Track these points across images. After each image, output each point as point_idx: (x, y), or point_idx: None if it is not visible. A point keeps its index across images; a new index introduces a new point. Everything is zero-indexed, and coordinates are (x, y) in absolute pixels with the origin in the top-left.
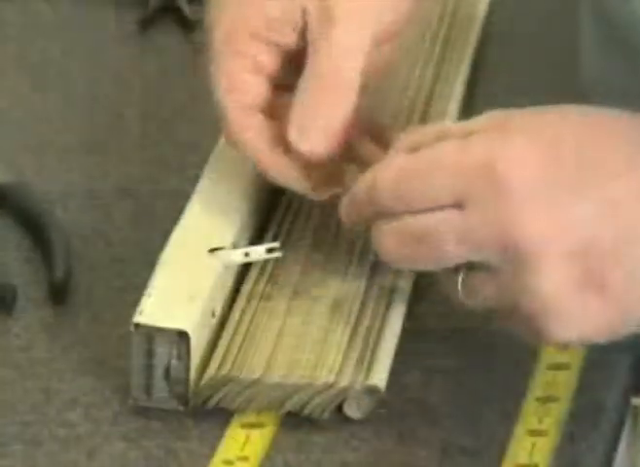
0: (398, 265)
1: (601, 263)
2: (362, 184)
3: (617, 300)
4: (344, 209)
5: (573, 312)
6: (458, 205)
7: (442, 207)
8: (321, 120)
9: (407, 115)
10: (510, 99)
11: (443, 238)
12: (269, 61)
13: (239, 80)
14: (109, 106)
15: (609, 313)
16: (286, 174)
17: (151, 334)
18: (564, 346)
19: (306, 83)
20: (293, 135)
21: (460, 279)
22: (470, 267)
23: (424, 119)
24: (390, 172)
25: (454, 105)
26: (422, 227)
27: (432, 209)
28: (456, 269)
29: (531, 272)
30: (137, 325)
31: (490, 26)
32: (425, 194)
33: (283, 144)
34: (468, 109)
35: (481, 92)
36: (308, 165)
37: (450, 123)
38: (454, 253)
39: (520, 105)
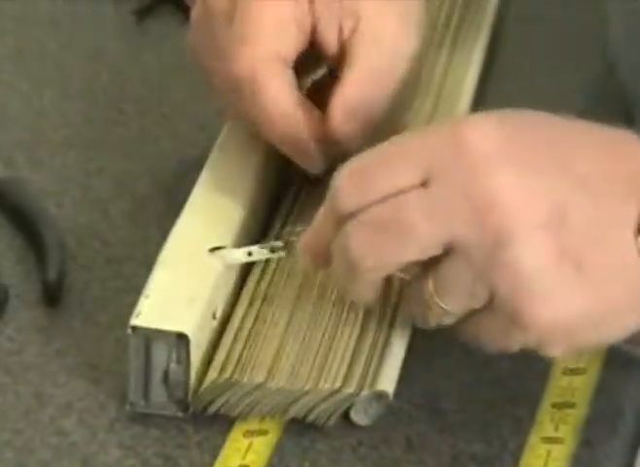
0: (368, 260)
1: (576, 239)
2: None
3: (593, 285)
4: (304, 246)
5: (552, 286)
6: (423, 184)
7: (406, 189)
8: (366, 109)
9: (419, 103)
10: (524, 84)
11: (411, 219)
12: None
13: (283, 26)
14: (107, 100)
15: (585, 296)
16: (300, 133)
17: (148, 337)
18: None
19: (357, 73)
20: (338, 116)
21: (431, 279)
22: (441, 261)
23: (437, 105)
24: (346, 170)
25: (467, 94)
26: (389, 212)
27: (396, 194)
28: (427, 269)
29: (506, 245)
30: (134, 328)
31: (505, 9)
32: (387, 179)
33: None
34: (482, 93)
35: (496, 76)
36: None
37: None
38: (425, 233)
39: (536, 91)
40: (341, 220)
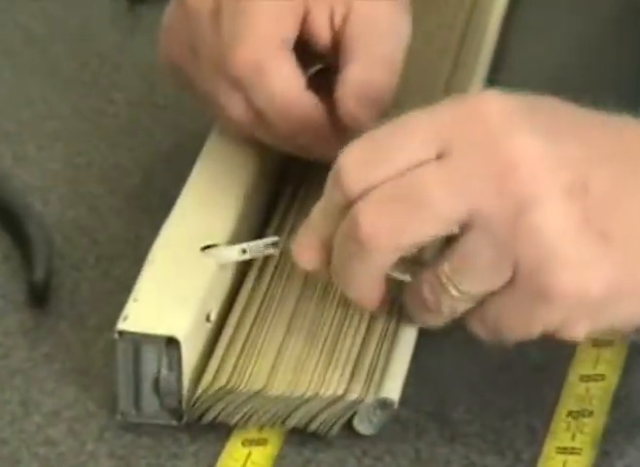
0: (381, 239)
1: (599, 209)
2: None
3: (620, 255)
4: (300, 244)
5: (579, 254)
6: (439, 156)
7: (421, 163)
8: (375, 93)
9: (429, 85)
10: (541, 65)
11: (428, 192)
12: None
13: (280, 12)
14: (96, 90)
15: (612, 266)
16: (318, 116)
17: (137, 342)
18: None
19: (361, 59)
20: (349, 100)
21: (447, 260)
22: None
23: (447, 90)
24: (353, 147)
25: (480, 74)
26: (403, 186)
27: (409, 169)
28: (444, 247)
29: (529, 211)
30: (122, 332)
31: None
32: (400, 153)
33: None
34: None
35: (512, 56)
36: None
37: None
38: (443, 206)
39: (552, 72)
40: (347, 205)
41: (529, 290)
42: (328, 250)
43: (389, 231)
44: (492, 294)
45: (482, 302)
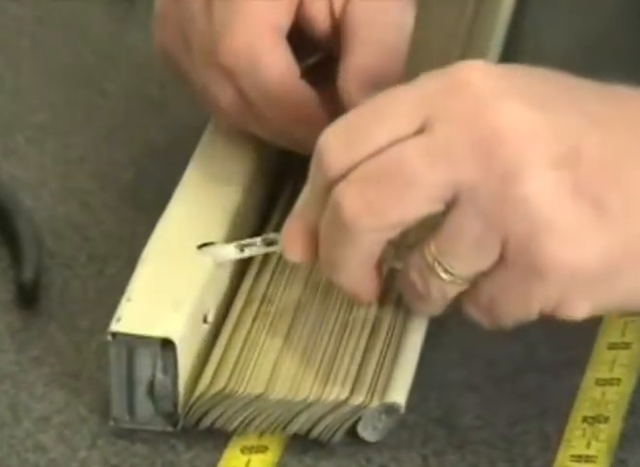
0: (364, 220)
1: (592, 177)
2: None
3: (615, 224)
4: (288, 233)
5: (571, 225)
6: (422, 130)
7: (403, 138)
8: (378, 80)
9: (442, 61)
10: (558, 34)
11: (411, 167)
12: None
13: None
14: (89, 82)
15: (608, 236)
16: (313, 104)
17: (131, 344)
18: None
19: (363, 47)
20: (352, 87)
21: (433, 240)
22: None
23: (465, 54)
24: (334, 126)
25: (495, 47)
26: (385, 162)
27: (390, 145)
28: (431, 228)
29: (517, 181)
30: (115, 334)
31: None
32: (381, 130)
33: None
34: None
35: (526, 41)
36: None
37: None
38: (428, 181)
39: (570, 40)
40: (330, 187)
41: (521, 267)
42: (315, 239)
43: (372, 211)
44: (484, 275)
45: (475, 284)
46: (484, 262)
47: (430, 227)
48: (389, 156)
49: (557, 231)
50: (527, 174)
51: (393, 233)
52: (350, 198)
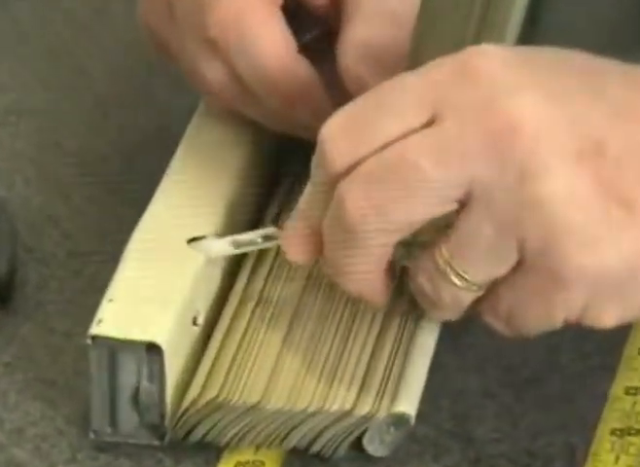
0: (369, 222)
1: (619, 172)
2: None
3: (634, 204)
4: (290, 232)
5: (596, 226)
6: (431, 122)
7: (409, 132)
8: (381, 52)
9: (455, 42)
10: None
11: (419, 163)
12: None
13: None
14: (68, 59)
15: (636, 236)
16: (311, 79)
17: (113, 348)
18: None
19: (365, 15)
20: (351, 59)
21: (444, 243)
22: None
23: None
24: (336, 118)
25: (513, 27)
26: (391, 158)
27: (397, 139)
28: (438, 231)
29: (534, 179)
30: (95, 337)
31: None
32: (387, 122)
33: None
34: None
35: (548, 18)
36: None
37: None
38: (437, 178)
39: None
40: (333, 184)
41: (541, 273)
42: (319, 240)
43: (378, 211)
44: (501, 281)
45: (492, 291)
46: (500, 267)
47: (442, 227)
48: (396, 151)
49: (580, 233)
50: (546, 172)
51: (402, 235)
52: (354, 198)
